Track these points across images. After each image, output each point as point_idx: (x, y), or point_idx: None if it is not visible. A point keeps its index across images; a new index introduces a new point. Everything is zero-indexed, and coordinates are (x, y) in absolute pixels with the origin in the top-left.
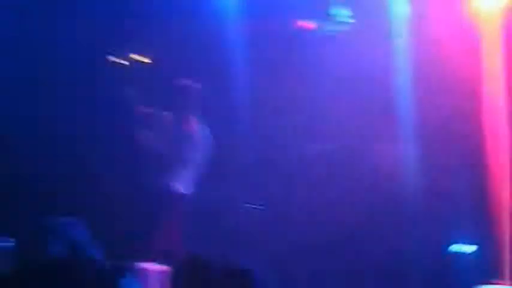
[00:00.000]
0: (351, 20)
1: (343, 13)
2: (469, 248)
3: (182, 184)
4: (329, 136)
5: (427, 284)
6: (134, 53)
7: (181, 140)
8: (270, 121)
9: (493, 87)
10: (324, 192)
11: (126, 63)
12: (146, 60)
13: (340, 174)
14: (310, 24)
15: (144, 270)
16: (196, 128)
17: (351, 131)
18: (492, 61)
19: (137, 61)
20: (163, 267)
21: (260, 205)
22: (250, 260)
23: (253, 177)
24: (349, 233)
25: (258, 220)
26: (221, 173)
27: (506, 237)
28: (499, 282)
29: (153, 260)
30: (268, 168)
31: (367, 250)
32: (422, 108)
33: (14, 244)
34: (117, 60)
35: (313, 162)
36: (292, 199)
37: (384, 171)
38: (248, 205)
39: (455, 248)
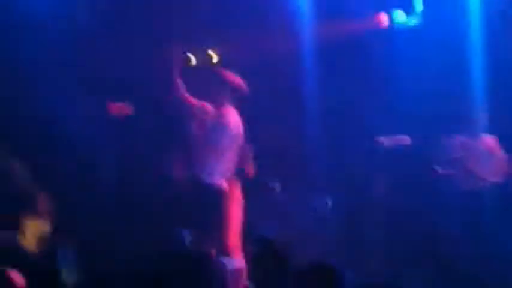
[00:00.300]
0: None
1: (414, 7)
2: None
3: (219, 176)
4: (399, 131)
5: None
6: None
7: (216, 129)
8: (339, 117)
9: None
10: (395, 190)
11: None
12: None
13: (411, 171)
14: (381, 19)
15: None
16: (233, 118)
17: (421, 125)
18: None
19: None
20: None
21: (326, 203)
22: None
23: (322, 174)
24: (422, 231)
25: (326, 218)
26: (290, 171)
27: None
28: None
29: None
30: (336, 166)
31: (438, 249)
32: (493, 103)
33: None
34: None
35: (383, 158)
36: (363, 196)
37: (454, 168)
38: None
39: None
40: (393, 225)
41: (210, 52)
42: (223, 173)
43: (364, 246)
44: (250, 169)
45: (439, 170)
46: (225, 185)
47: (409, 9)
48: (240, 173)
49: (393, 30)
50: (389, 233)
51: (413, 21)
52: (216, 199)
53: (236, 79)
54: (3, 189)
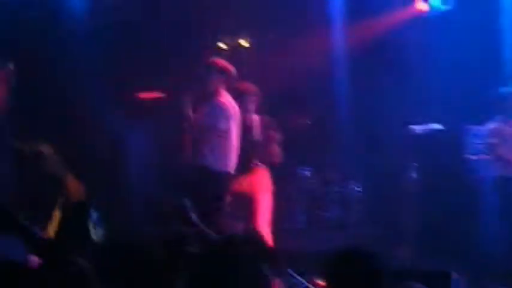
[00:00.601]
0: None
1: None
2: None
3: (223, 162)
4: (433, 116)
5: None
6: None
7: (215, 115)
8: (371, 104)
9: None
10: (427, 177)
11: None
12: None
13: (443, 158)
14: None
15: None
16: (227, 100)
17: (454, 112)
18: None
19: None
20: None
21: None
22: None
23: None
24: (454, 218)
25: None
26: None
27: None
28: None
29: None
30: (368, 153)
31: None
32: None
33: None
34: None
35: (418, 144)
36: (395, 184)
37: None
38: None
39: None
40: (425, 212)
41: (241, 41)
42: (230, 159)
43: (395, 233)
44: (277, 156)
45: (472, 157)
46: (232, 170)
47: None
48: (268, 160)
49: (427, 16)
50: (420, 220)
51: (448, 6)
52: (225, 186)
53: (227, 65)
54: (34, 174)
